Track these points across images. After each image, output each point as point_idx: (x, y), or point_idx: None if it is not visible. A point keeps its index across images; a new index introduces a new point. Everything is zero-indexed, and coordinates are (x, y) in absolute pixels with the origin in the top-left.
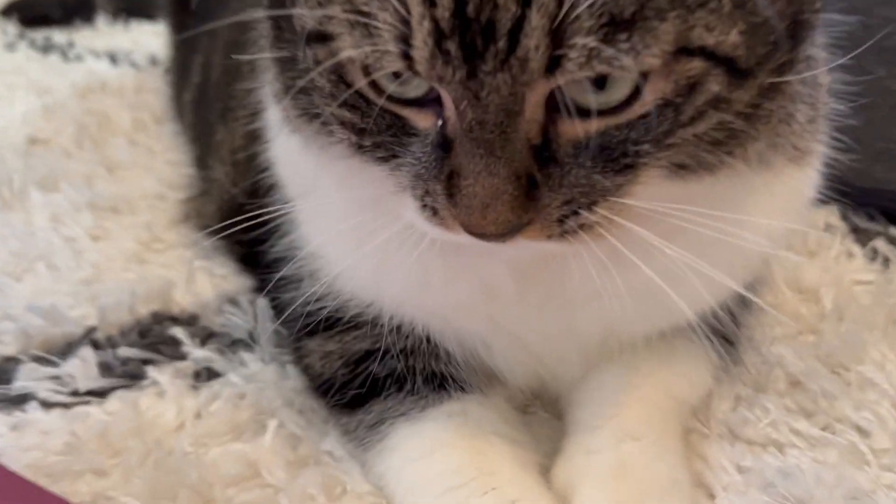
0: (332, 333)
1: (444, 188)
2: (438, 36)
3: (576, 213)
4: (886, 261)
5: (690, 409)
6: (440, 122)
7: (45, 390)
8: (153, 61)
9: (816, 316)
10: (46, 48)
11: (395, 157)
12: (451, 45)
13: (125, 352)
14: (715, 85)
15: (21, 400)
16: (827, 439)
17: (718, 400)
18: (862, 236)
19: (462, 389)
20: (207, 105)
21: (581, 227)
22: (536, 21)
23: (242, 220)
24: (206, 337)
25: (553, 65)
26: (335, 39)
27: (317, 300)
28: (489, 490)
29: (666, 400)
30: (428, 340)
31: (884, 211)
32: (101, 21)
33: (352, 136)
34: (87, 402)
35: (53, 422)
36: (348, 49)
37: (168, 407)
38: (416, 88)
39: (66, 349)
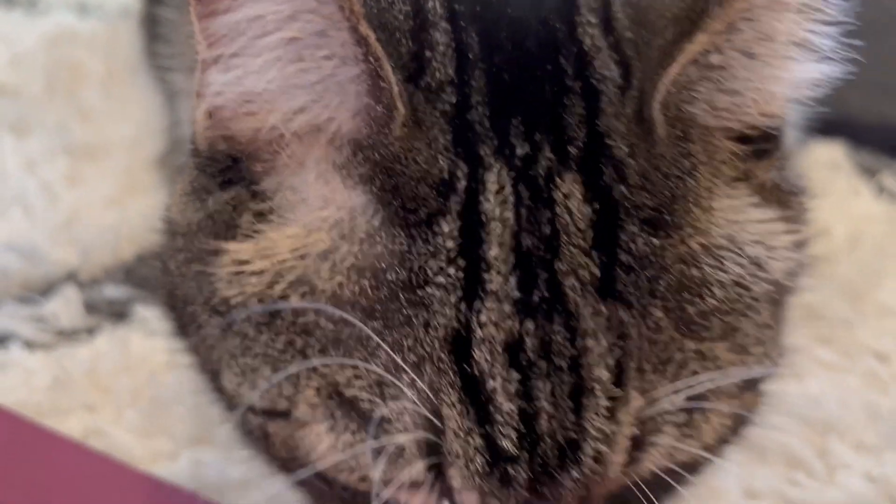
0: None
1: None
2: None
3: None
4: (893, 196)
5: None
6: None
7: (28, 330)
8: (125, 13)
9: (828, 250)
10: (10, 2)
11: None
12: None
13: (111, 291)
14: None
15: (2, 340)
16: (846, 365)
17: None
18: (867, 173)
19: None
20: None
21: None
22: None
23: None
24: None
25: None
26: (303, 427)
27: None
28: None
29: None
30: None
31: (891, 147)
32: None
33: None
34: (73, 341)
35: (38, 361)
36: (326, 448)
37: (158, 344)
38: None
39: (48, 289)
